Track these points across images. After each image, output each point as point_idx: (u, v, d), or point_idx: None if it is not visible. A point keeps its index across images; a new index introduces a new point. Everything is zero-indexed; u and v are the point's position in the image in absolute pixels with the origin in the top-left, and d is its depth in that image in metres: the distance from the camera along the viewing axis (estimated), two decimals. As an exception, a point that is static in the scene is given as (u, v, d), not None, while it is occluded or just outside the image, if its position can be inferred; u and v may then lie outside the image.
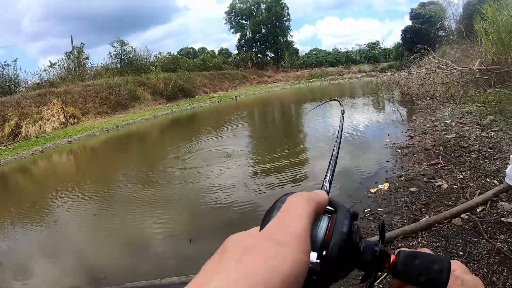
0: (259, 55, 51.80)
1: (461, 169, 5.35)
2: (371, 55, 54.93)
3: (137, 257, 4.69)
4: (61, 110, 21.35)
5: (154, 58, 36.06)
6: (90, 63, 32.64)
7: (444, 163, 5.72)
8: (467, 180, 4.88)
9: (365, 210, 4.59)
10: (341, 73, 46.63)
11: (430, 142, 7.17)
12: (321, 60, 54.01)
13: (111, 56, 32.72)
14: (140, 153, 13.12)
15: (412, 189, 4.95)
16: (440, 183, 4.92)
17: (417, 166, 5.97)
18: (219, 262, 0.34)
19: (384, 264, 0.45)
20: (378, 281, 3.04)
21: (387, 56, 53.79)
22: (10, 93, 23.90)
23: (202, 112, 23.87)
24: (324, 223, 0.41)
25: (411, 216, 4.17)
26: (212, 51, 54.32)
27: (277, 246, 0.33)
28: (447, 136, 7.44)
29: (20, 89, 25.39)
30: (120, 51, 32.30)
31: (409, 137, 7.98)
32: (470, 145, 6.37)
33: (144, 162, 11.11)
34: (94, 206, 7.13)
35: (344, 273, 0.41)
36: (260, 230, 0.38)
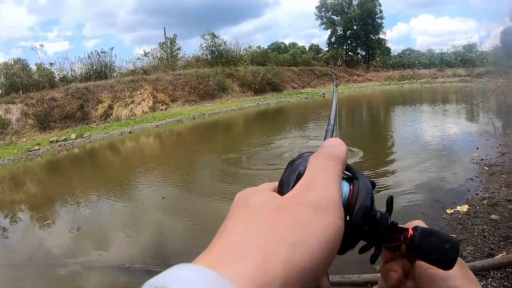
0: (349, 52, 49.77)
1: None
2: (468, 58, 50.41)
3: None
4: (151, 96, 21.92)
5: (244, 51, 35.99)
6: (182, 53, 33.30)
7: None
8: None
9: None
10: (434, 76, 43.12)
11: None
12: (414, 61, 50.64)
13: (202, 47, 33.14)
14: (222, 142, 12.72)
15: (493, 216, 4.33)
16: None
17: (504, 189, 5.20)
18: (248, 220, 0.32)
19: (395, 238, 0.44)
20: None
21: (485, 60, 48.81)
22: (106, 77, 25.14)
23: (288, 107, 23.23)
24: (345, 186, 0.40)
25: (487, 249, 3.58)
26: (303, 46, 52.94)
27: (317, 211, 0.32)
28: None
29: (115, 74, 26.77)
30: (211, 43, 32.55)
31: (500, 154, 7.09)
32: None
33: (224, 151, 10.56)
34: (166, 189, 7.53)
35: (357, 242, 0.42)
36: (281, 191, 0.38)
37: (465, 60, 50.22)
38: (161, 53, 30.98)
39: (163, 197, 6.80)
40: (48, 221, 6.37)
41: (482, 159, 6.80)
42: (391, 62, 50.91)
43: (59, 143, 16.18)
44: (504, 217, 4.20)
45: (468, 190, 5.35)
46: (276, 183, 0.40)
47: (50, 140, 16.52)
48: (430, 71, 46.29)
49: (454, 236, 1.95)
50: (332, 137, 0.56)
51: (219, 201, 6.12)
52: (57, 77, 24.63)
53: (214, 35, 32.65)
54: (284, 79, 31.87)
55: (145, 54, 30.75)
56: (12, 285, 4.40)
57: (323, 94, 28.71)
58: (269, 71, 30.35)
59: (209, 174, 8.47)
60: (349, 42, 50.34)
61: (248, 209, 0.33)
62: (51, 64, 25.64)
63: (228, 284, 0.25)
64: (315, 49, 51.66)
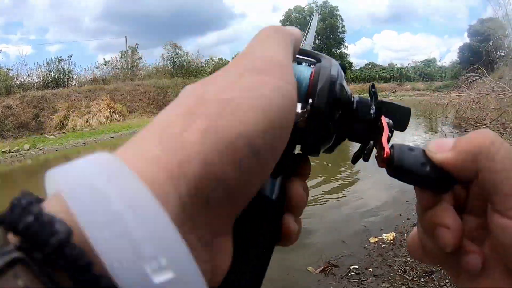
0: (310, 68, 51.16)
1: None
2: (426, 72, 52.90)
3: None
4: (109, 106, 21.79)
5: (206, 62, 36.20)
6: (143, 63, 33.32)
7: None
8: None
9: (351, 267, 3.60)
10: (394, 90, 44.98)
11: None
12: (375, 75, 52.58)
13: (163, 58, 33.20)
14: None
15: None
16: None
17: None
18: (175, 101, 0.27)
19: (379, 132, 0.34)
20: None
21: (443, 75, 51.57)
22: (64, 86, 24.84)
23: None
24: (306, 70, 0.34)
25: (403, 286, 3.16)
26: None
27: (255, 72, 0.26)
28: None
29: (74, 83, 26.38)
30: (173, 53, 32.68)
31: None
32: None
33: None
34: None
35: (332, 135, 0.34)
36: None
37: (424, 74, 52.72)
38: (122, 63, 30.89)
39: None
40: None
41: None
42: (352, 76, 52.66)
43: (11, 153, 15.95)
44: None
45: (400, 214, 4.94)
46: None
47: (2, 150, 16.26)
48: (390, 85, 48.22)
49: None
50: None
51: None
52: (16, 84, 24.24)
53: (176, 46, 32.84)
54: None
55: (105, 63, 30.55)
56: None
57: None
58: (229, 83, 30.44)
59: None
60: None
61: (185, 90, 0.28)
62: (8, 69, 25.27)
63: (121, 167, 0.19)
64: (279, 64, 52.85)
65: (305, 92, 0.32)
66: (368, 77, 52.45)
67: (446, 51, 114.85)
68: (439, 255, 0.31)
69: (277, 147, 0.25)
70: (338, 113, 0.32)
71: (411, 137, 10.90)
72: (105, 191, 0.17)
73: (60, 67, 26.10)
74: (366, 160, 0.36)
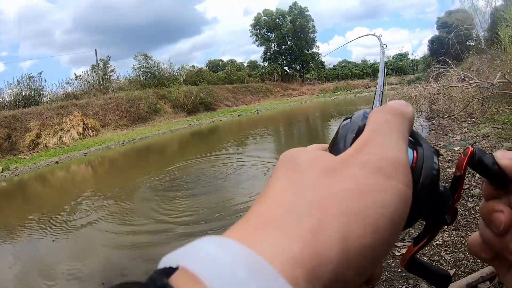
0: (284, 67, 51.58)
1: (447, 227, 3.82)
2: (398, 67, 53.89)
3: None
4: (81, 122, 21.78)
5: (178, 71, 36.51)
6: (116, 75, 33.44)
7: None
8: (445, 250, 3.54)
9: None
10: (367, 86, 45.72)
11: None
12: (347, 73, 53.38)
13: (134, 69, 33.34)
14: (144, 167, 13.01)
15: None
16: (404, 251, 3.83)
17: None
18: (294, 182, 0.26)
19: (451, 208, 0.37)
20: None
21: (416, 68, 52.57)
22: (35, 104, 24.76)
23: (221, 127, 23.56)
24: (409, 153, 0.33)
25: None
26: (241, 63, 54.06)
27: (380, 175, 0.25)
28: (448, 170, 5.67)
29: (45, 100, 26.36)
30: (144, 64, 32.83)
31: None
32: (471, 187, 4.68)
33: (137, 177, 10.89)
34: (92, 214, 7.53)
35: (420, 217, 0.36)
36: (333, 151, 0.32)
37: (396, 68, 53.63)
38: (93, 76, 30.82)
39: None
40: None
41: None
42: (325, 75, 53.38)
43: (-16, 177, 15.97)
44: None
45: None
46: (327, 146, 0.36)
47: (-25, 173, 16.26)
48: (364, 81, 48.99)
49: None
50: (381, 99, 0.56)
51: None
52: None
53: (147, 56, 33.01)
54: (218, 98, 32.45)
55: (76, 77, 30.51)
56: None
57: (257, 110, 29.63)
58: (202, 90, 30.83)
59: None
60: (283, 57, 52.32)
61: (295, 169, 0.27)
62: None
63: (264, 265, 0.19)
64: (253, 65, 53.20)
65: None
66: (341, 74, 53.33)
67: (418, 44, 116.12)
68: (495, 243, 0.36)
69: (390, 249, 0.26)
70: (431, 202, 0.34)
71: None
72: None
73: (30, 84, 26.09)
74: (432, 237, 0.40)
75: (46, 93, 27.04)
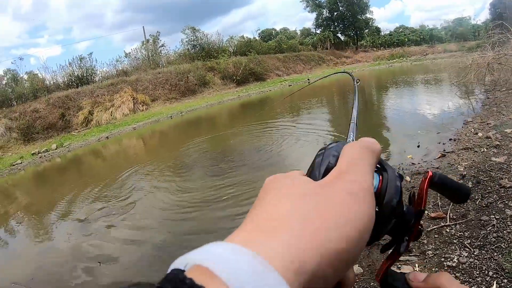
0: (337, 34, 49.41)
1: (470, 241, 3.08)
2: (458, 32, 49.85)
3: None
4: (131, 97, 22.03)
5: (227, 42, 35.76)
6: (166, 50, 33.43)
7: (451, 221, 3.51)
8: (457, 277, 2.70)
9: None
10: (425, 53, 42.78)
11: (462, 168, 4.76)
12: (404, 39, 50.22)
13: (183, 43, 33.15)
14: (191, 137, 12.73)
15: (355, 269, 3.05)
16: (406, 269, 2.93)
17: None
18: (282, 200, 0.32)
19: (414, 228, 0.45)
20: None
21: (478, 34, 48.00)
22: (87, 83, 25.38)
23: (270, 97, 22.86)
24: (375, 178, 0.40)
25: None
26: (294, 31, 52.47)
27: (353, 198, 0.32)
28: (493, 159, 4.77)
29: (97, 79, 26.91)
30: (192, 37, 32.47)
31: (440, 155, 5.68)
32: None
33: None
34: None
35: (384, 234, 0.42)
36: (312, 177, 0.38)
37: (455, 34, 49.71)
38: (142, 53, 31.02)
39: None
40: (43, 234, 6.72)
41: (413, 163, 5.66)
42: (380, 42, 50.55)
43: (40, 154, 16.43)
44: (365, 271, 3.16)
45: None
46: (304, 172, 0.41)
47: (32, 152, 16.80)
48: (421, 48, 45.95)
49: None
50: (355, 130, 0.66)
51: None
52: (49, 82, 25.27)
53: (195, 29, 32.62)
54: (268, 68, 31.71)
55: (126, 55, 30.89)
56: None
57: (308, 80, 28.56)
58: (252, 60, 30.17)
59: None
60: (336, 24, 49.99)
61: (282, 190, 0.34)
62: (34, 74, 26.11)
63: (261, 261, 0.25)
64: (306, 33, 51.27)
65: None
66: (397, 41, 50.26)
67: (481, 8, 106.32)
68: None
69: (359, 255, 0.32)
70: (394, 220, 0.40)
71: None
72: None
73: (82, 65, 26.69)
74: (400, 253, 0.44)
75: (98, 72, 27.62)
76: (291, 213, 0.30)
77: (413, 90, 14.96)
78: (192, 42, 32.55)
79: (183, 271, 0.24)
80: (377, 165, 0.41)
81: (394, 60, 40.24)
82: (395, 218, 0.40)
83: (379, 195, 0.38)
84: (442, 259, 2.93)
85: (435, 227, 3.44)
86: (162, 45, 33.08)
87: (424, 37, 50.36)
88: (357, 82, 1.10)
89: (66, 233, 6.09)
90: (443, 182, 0.46)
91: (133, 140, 16.06)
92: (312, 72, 34.87)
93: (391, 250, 0.45)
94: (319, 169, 0.38)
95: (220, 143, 10.63)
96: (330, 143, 0.42)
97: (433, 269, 2.85)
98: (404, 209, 0.42)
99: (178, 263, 0.25)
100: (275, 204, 0.32)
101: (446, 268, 2.81)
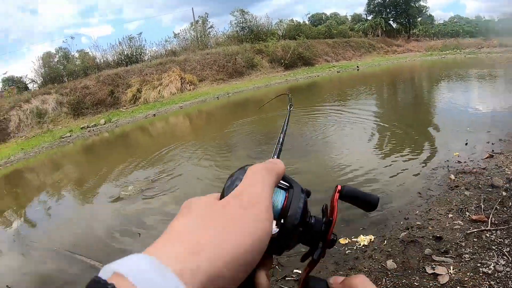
0: (389, 22, 47.53)
1: (509, 250, 2.93)
2: (521, 26, 46.55)
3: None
4: (179, 77, 22.09)
5: (276, 26, 35.11)
6: (215, 31, 33.32)
7: (492, 225, 3.31)
8: (496, 281, 2.55)
9: (294, 270, 3.22)
10: (480, 46, 40.25)
11: (510, 172, 4.50)
12: (458, 30, 47.56)
13: (232, 25, 32.83)
14: (237, 118, 12.49)
15: (389, 264, 3.03)
16: (440, 270, 2.78)
17: (449, 216, 3.65)
18: (186, 221, 0.37)
19: (326, 237, 0.48)
20: None
21: None
22: (136, 62, 25.78)
23: (318, 82, 22.20)
24: (281, 195, 0.45)
25: None
26: (345, 16, 51.04)
27: (247, 211, 0.37)
28: None
29: (146, 58, 27.27)
30: (241, 19, 32.11)
31: (487, 155, 5.29)
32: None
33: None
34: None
35: (293, 244, 0.46)
36: (222, 197, 0.41)
37: None
38: (191, 34, 31.06)
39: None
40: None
41: (459, 162, 5.27)
42: (433, 31, 48.15)
43: (88, 128, 16.80)
44: (401, 268, 2.97)
45: (400, 211, 4.04)
46: (217, 196, 0.44)
47: (81, 126, 17.14)
48: (476, 40, 43.32)
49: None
50: (278, 154, 0.66)
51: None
52: (99, 60, 25.94)
53: (244, 11, 32.18)
54: (317, 53, 30.82)
55: (175, 35, 31.07)
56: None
57: (357, 67, 27.66)
58: (301, 45, 29.48)
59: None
60: (388, 10, 48.02)
61: (189, 210, 0.38)
62: (85, 52, 26.74)
63: (157, 264, 0.29)
64: (357, 18, 49.59)
65: (278, 212, 0.43)
66: (451, 31, 47.68)
67: None
68: None
69: (258, 257, 0.36)
70: (300, 229, 0.44)
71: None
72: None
73: (131, 44, 27.14)
74: (302, 260, 0.49)
75: (147, 51, 28.03)
76: (190, 225, 0.35)
77: (466, 84, 13.99)
78: (241, 24, 32.20)
79: (104, 280, 0.28)
80: (286, 184, 0.46)
81: (447, 52, 38.07)
82: (302, 228, 0.45)
83: (284, 209, 0.43)
84: (478, 265, 2.80)
85: (475, 230, 3.27)
86: (211, 27, 32.98)
87: (480, 29, 47.59)
88: (290, 107, 1.07)
89: (109, 204, 6.32)
90: (351, 195, 0.51)
91: (179, 118, 16.09)
92: (362, 59, 33.73)
93: (310, 258, 0.48)
94: (228, 192, 0.41)
95: (265, 126, 10.41)
96: (239, 168, 0.46)
97: (468, 274, 2.72)
98: (312, 220, 0.47)
99: (106, 269, 0.29)
100: (179, 220, 0.37)
101: (481, 274, 2.68)
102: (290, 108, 1.05)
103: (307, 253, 0.48)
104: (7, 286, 4.37)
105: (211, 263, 0.31)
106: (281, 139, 0.76)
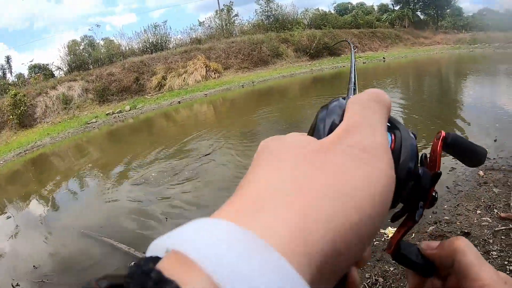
0: (417, 12, 46.42)
1: None
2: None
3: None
4: (204, 65, 22.08)
5: (302, 15, 34.65)
6: (240, 20, 33.04)
7: None
8: None
9: None
10: (509, 41, 38.81)
11: None
12: (487, 23, 46.11)
13: (257, 13, 32.54)
14: (262, 107, 12.35)
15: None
16: None
17: (477, 212, 3.62)
18: (279, 165, 0.26)
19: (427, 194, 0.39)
20: None
21: None
22: (161, 49, 25.83)
23: (344, 73, 21.46)
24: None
25: None
26: (371, 6, 50.01)
27: (364, 157, 0.26)
28: None
29: (171, 46, 27.28)
30: (266, 8, 31.80)
31: None
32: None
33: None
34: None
35: (397, 203, 0.37)
36: (314, 136, 0.32)
37: None
38: (216, 22, 30.95)
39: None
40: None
41: (488, 158, 4.86)
42: (462, 24, 46.85)
43: (114, 115, 16.97)
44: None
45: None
46: (305, 133, 0.34)
47: (106, 112, 17.29)
48: (505, 35, 42.00)
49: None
50: (354, 94, 0.55)
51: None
52: (124, 48, 26.13)
53: (269, 0, 31.82)
54: (343, 43, 30.35)
55: (200, 23, 31.06)
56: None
57: (384, 58, 27.05)
58: (326, 34, 28.97)
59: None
60: (415, 1, 46.91)
61: (278, 154, 0.27)
62: (110, 40, 26.94)
63: (259, 242, 0.19)
64: (384, 9, 48.55)
65: None
66: (480, 24, 46.29)
67: None
68: None
69: (378, 228, 0.26)
70: (411, 183, 0.34)
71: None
72: (252, 274, 0.17)
73: (156, 32, 27.23)
74: (415, 221, 0.39)
75: (172, 39, 28.05)
76: (288, 181, 0.24)
77: (495, 80, 13.47)
78: (266, 13, 31.88)
79: (156, 259, 0.19)
80: (387, 124, 0.34)
81: (476, 45, 36.91)
82: (412, 181, 0.34)
83: (393, 154, 0.32)
84: (506, 262, 2.79)
85: (503, 228, 3.24)
86: (236, 15, 32.73)
87: (510, 23, 46.05)
88: (354, 49, 0.99)
89: (135, 189, 6.42)
90: (457, 143, 0.42)
91: (204, 106, 16.03)
92: (388, 50, 32.99)
93: (403, 219, 0.40)
94: (323, 125, 0.33)
95: (289, 115, 10.36)
96: (334, 99, 0.37)
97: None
98: (420, 171, 0.36)
99: (156, 247, 0.20)
100: (267, 171, 0.26)
101: (508, 272, 2.57)
102: (354, 49, 1.01)
103: (400, 212, 0.39)
104: (33, 266, 4.41)
105: (328, 239, 0.22)
106: (352, 78, 0.65)
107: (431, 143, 0.41)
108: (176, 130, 11.68)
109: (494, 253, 2.89)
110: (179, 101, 17.55)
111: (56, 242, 5.04)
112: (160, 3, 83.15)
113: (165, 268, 0.18)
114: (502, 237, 3.10)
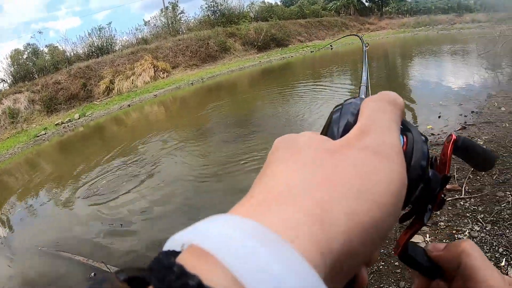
0: (361, 0, 47.54)
1: (483, 216, 3.08)
2: (489, 1, 46.98)
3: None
4: (152, 65, 21.90)
5: (247, 8, 34.79)
6: (186, 17, 32.89)
7: (466, 194, 3.47)
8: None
9: None
10: (452, 22, 40.53)
11: (482, 142, 4.63)
12: (431, 7, 47.86)
13: (203, 9, 32.42)
14: (210, 103, 12.54)
15: None
16: (417, 238, 2.85)
17: None
18: (297, 162, 0.27)
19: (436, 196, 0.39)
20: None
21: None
22: (108, 52, 25.40)
23: (292, 63, 22.12)
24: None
25: None
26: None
27: (379, 157, 0.27)
28: None
29: (117, 48, 26.87)
30: (212, 3, 31.66)
31: (460, 127, 5.52)
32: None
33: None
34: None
35: (410, 199, 0.37)
36: (327, 135, 0.33)
37: (485, 4, 46.85)
38: (161, 20, 30.73)
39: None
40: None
41: (432, 134, 5.44)
42: (406, 9, 48.34)
43: (63, 124, 16.66)
44: None
45: None
46: (319, 132, 0.34)
47: (55, 123, 16.96)
48: (448, 17, 43.61)
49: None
50: (366, 94, 0.58)
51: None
52: (69, 54, 25.39)
53: (214, -5, 31.84)
54: (290, 34, 30.63)
55: (145, 23, 30.70)
56: None
57: (331, 46, 27.63)
58: (273, 26, 29.32)
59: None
60: (360, -12, 47.96)
61: (296, 149, 0.28)
62: (54, 47, 26.22)
63: (277, 239, 0.19)
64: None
65: None
66: (423, 8, 47.96)
67: None
68: None
69: (393, 225, 0.26)
70: (421, 185, 0.35)
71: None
72: (275, 270, 0.18)
73: (101, 35, 26.76)
74: (423, 223, 0.40)
75: (118, 41, 27.66)
76: (307, 177, 0.25)
77: (438, 60, 14.23)
78: (212, 8, 31.79)
79: (176, 253, 0.20)
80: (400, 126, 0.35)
81: (420, 28, 38.24)
82: (422, 184, 0.34)
83: (405, 155, 0.32)
84: (454, 231, 2.96)
85: (449, 199, 3.43)
86: (182, 12, 32.54)
87: (451, 6, 47.94)
88: (366, 46, 1.07)
89: (88, 199, 6.38)
90: (468, 146, 0.42)
91: (154, 107, 16.02)
92: (335, 38, 33.74)
93: (411, 221, 0.40)
94: (338, 126, 0.33)
95: (239, 108, 10.66)
96: (348, 99, 0.37)
97: (444, 241, 2.81)
98: (430, 174, 0.36)
99: (174, 242, 0.21)
100: (286, 167, 0.26)
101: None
102: (366, 47, 1.08)
103: (408, 213, 0.40)
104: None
105: (345, 237, 0.22)
106: (364, 78, 0.70)
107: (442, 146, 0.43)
108: (129, 134, 11.62)
109: (442, 223, 3.07)
110: (129, 104, 17.38)
111: (15, 263, 4.99)
112: (104, 4, 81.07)
113: (186, 262, 0.18)
114: (449, 207, 3.29)
